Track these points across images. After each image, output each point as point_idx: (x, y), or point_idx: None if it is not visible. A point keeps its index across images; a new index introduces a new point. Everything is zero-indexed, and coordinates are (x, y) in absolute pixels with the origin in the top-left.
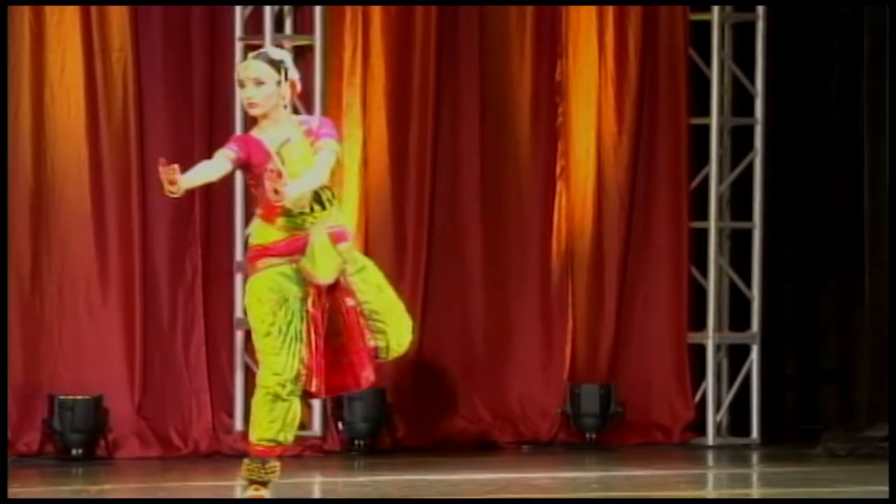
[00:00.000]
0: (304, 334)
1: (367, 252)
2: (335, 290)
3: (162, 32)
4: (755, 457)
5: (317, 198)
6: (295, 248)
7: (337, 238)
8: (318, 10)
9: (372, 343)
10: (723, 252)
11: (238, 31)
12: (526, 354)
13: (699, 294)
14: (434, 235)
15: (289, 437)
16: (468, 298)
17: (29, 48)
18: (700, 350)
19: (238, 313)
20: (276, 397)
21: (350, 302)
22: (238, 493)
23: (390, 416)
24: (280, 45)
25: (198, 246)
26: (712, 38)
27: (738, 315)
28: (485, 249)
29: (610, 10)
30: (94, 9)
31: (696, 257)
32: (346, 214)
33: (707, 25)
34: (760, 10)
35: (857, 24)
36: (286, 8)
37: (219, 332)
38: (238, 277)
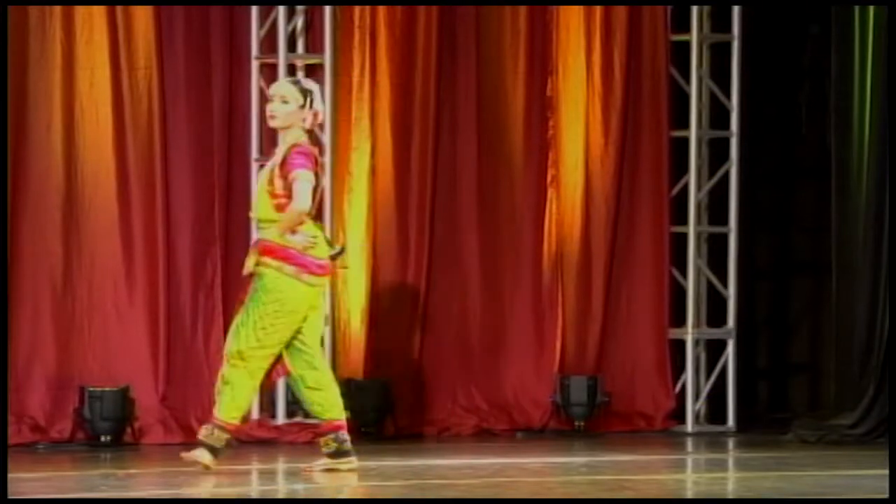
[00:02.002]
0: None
1: (373, 252)
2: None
3: (184, 51)
4: (731, 443)
5: (261, 209)
6: (328, 271)
7: (264, 250)
8: (328, 31)
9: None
10: (701, 254)
11: (254, 51)
12: (519, 348)
13: (679, 293)
14: (435, 237)
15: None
16: (466, 297)
17: (60, 65)
18: (680, 344)
19: None
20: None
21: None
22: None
23: (394, 405)
24: (293, 64)
25: (217, 247)
26: (691, 58)
27: (715, 312)
28: (481, 251)
29: (597, 31)
30: (121, 29)
31: (676, 259)
32: (354, 218)
33: (686, 46)
34: (736, 31)
35: (825, 44)
36: (299, 29)
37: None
38: None
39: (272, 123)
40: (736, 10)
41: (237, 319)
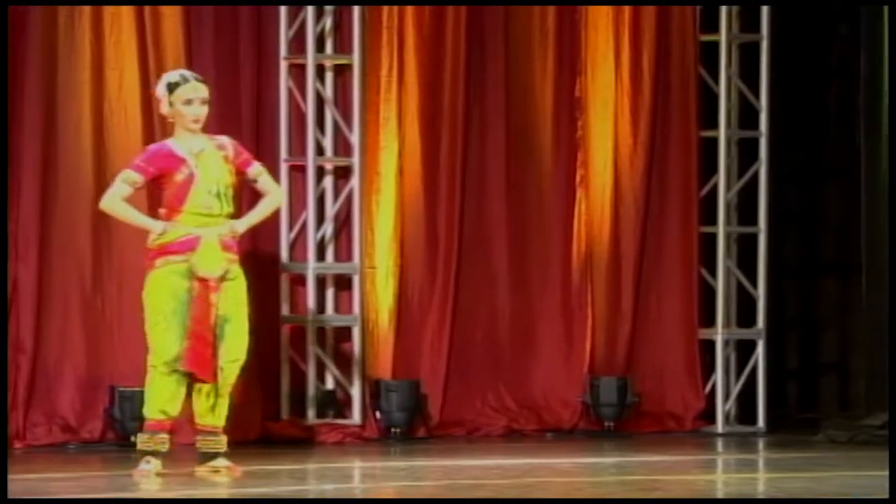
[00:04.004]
0: (187, 323)
1: (402, 252)
2: (209, 287)
3: (212, 52)
4: (761, 444)
5: (219, 197)
6: (188, 247)
7: (227, 247)
8: (356, 31)
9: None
10: (730, 254)
11: (283, 51)
12: (549, 349)
13: (709, 293)
14: (464, 238)
15: (174, 410)
16: (495, 297)
17: (89, 66)
18: (710, 345)
19: (284, 311)
20: (160, 375)
21: (213, 299)
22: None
23: (424, 405)
24: (322, 64)
25: (245, 248)
26: (720, 58)
27: (744, 312)
28: (510, 252)
29: (626, 32)
30: (149, 29)
31: (706, 259)
32: (383, 218)
33: (715, 46)
34: (765, 31)
35: (853, 44)
36: (328, 29)
37: (265, 328)
38: (283, 277)
39: (198, 126)
40: (765, 10)
41: (239, 327)
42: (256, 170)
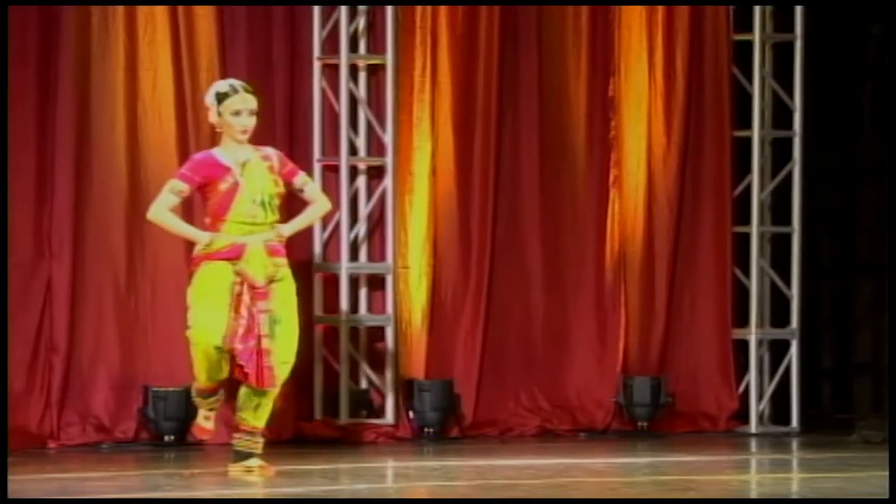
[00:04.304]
0: (233, 312)
1: (435, 252)
2: (257, 294)
3: (246, 52)
4: (795, 444)
5: (263, 206)
6: (234, 255)
7: (273, 251)
8: (389, 32)
9: (265, 345)
10: (764, 254)
11: (316, 51)
12: (582, 349)
13: (742, 293)
14: (497, 238)
15: (222, 375)
16: (529, 297)
17: (123, 65)
18: (743, 345)
19: (317, 311)
20: (200, 350)
21: (263, 306)
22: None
23: (457, 405)
24: (355, 65)
25: None
26: (754, 57)
27: (778, 312)
28: (544, 252)
29: (659, 31)
30: (183, 29)
31: (739, 259)
32: (416, 218)
33: (749, 45)
34: (798, 30)
35: (887, 43)
36: (361, 29)
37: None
38: (317, 277)
39: (246, 136)
40: (798, 9)
41: (288, 328)
42: (302, 179)
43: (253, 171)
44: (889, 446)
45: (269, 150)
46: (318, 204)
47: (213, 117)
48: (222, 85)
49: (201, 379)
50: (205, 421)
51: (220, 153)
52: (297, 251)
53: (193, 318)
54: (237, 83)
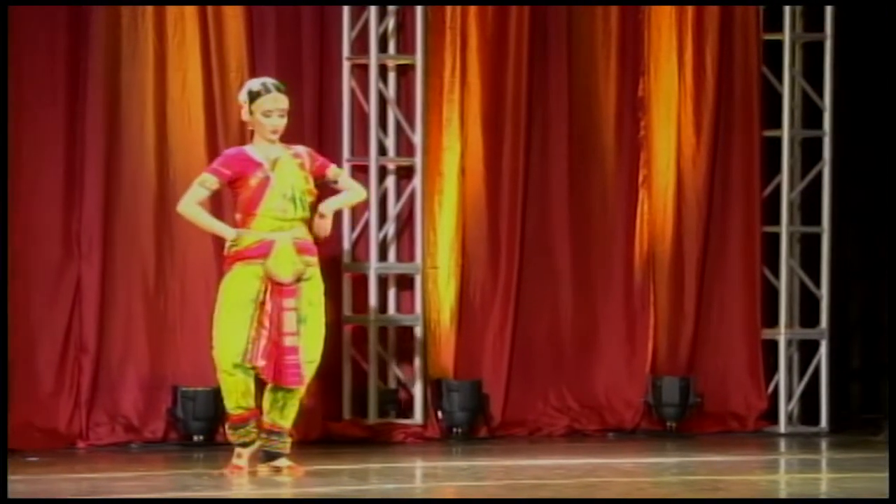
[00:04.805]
0: (256, 324)
1: (464, 253)
2: (284, 291)
3: (275, 53)
4: (824, 444)
5: (294, 202)
6: (262, 252)
7: (303, 249)
8: (419, 32)
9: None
10: (793, 254)
11: (346, 52)
12: (611, 349)
13: (771, 293)
14: (526, 238)
15: (250, 402)
16: (558, 297)
17: (152, 66)
18: (773, 345)
19: (346, 311)
20: (227, 375)
21: (289, 303)
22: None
23: (486, 405)
24: (384, 65)
25: None
26: (784, 57)
27: (807, 312)
28: (573, 252)
29: (689, 31)
30: (212, 30)
31: (769, 259)
32: (445, 218)
33: (779, 45)
34: (828, 30)
35: None
36: (390, 29)
37: (327, 328)
38: (345, 277)
39: (276, 137)
40: (829, 9)
41: (315, 328)
42: (335, 171)
43: (284, 167)
44: (889, 446)
45: (300, 148)
46: (354, 191)
47: (244, 115)
48: (255, 83)
49: (229, 406)
50: (237, 459)
51: (252, 149)
52: (326, 251)
53: (215, 337)
54: (270, 82)
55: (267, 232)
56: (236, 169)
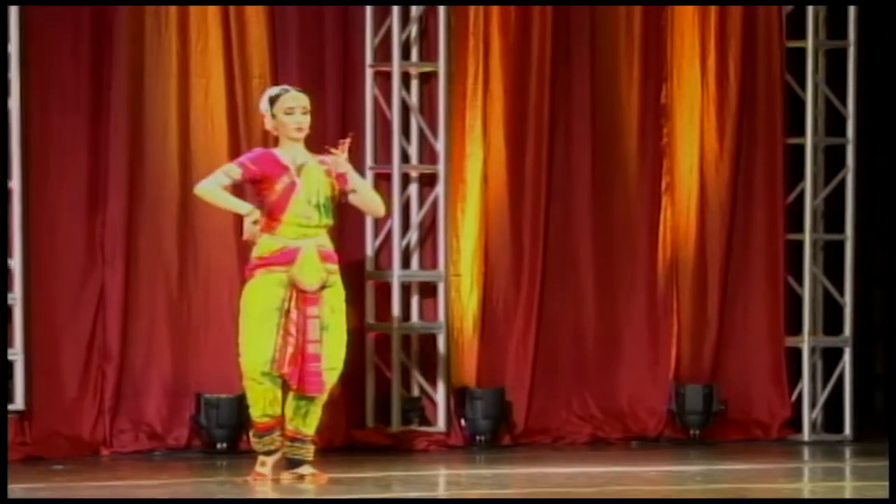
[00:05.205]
0: (282, 332)
1: (487, 259)
2: (308, 299)
3: (298, 60)
4: (848, 452)
5: (319, 209)
6: (287, 259)
7: (326, 257)
8: (442, 39)
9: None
10: (817, 261)
11: (368, 59)
12: (634, 356)
13: (795, 300)
14: (549, 245)
15: (276, 411)
16: (581, 304)
17: (175, 73)
18: (796, 352)
19: (369, 318)
20: (254, 384)
21: (313, 311)
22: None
23: (509, 413)
24: (407, 72)
25: None
26: (807, 64)
27: (831, 320)
28: (596, 258)
29: (712, 38)
30: (235, 37)
31: (792, 266)
32: (468, 225)
33: (802, 52)
34: (852, 37)
35: None
36: (413, 36)
37: (351, 336)
38: (368, 285)
39: (302, 134)
40: (852, 16)
41: (337, 335)
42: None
43: (310, 173)
44: (889, 447)
45: (327, 158)
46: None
47: (268, 123)
48: (273, 89)
49: (254, 414)
50: (261, 467)
51: (279, 152)
52: (350, 258)
53: (242, 345)
54: (288, 86)
55: (291, 239)
56: (262, 168)
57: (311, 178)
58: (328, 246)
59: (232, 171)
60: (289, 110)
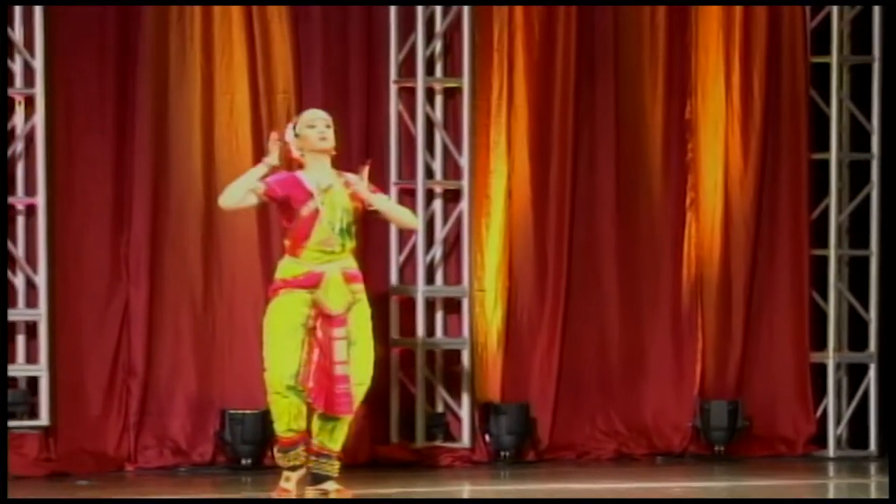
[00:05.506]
0: (306, 350)
1: (511, 275)
2: (334, 321)
3: (322, 75)
4: (873, 468)
5: (342, 234)
6: (312, 283)
7: (351, 278)
8: (466, 55)
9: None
10: (842, 277)
11: (393, 74)
12: (659, 372)
13: (820, 316)
14: (573, 260)
15: (301, 425)
16: (605, 320)
17: (200, 89)
18: (821, 368)
19: (393, 334)
20: (279, 398)
21: (339, 333)
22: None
23: (533, 429)
24: (431, 88)
25: None
26: (831, 80)
27: (856, 335)
28: (620, 274)
29: (736, 54)
30: (259, 53)
31: (817, 282)
32: (492, 241)
33: (826, 67)
34: (876, 52)
35: None
36: (437, 52)
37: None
38: (393, 300)
39: (325, 145)
40: (876, 31)
41: (364, 350)
42: (383, 198)
43: (335, 197)
44: (888, 448)
45: (352, 176)
46: (406, 213)
47: (293, 148)
48: (295, 117)
49: (279, 428)
50: (285, 482)
51: (305, 176)
52: (374, 274)
53: (267, 360)
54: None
55: (316, 264)
56: (288, 190)
57: (335, 202)
58: (352, 267)
59: (257, 187)
60: (311, 124)
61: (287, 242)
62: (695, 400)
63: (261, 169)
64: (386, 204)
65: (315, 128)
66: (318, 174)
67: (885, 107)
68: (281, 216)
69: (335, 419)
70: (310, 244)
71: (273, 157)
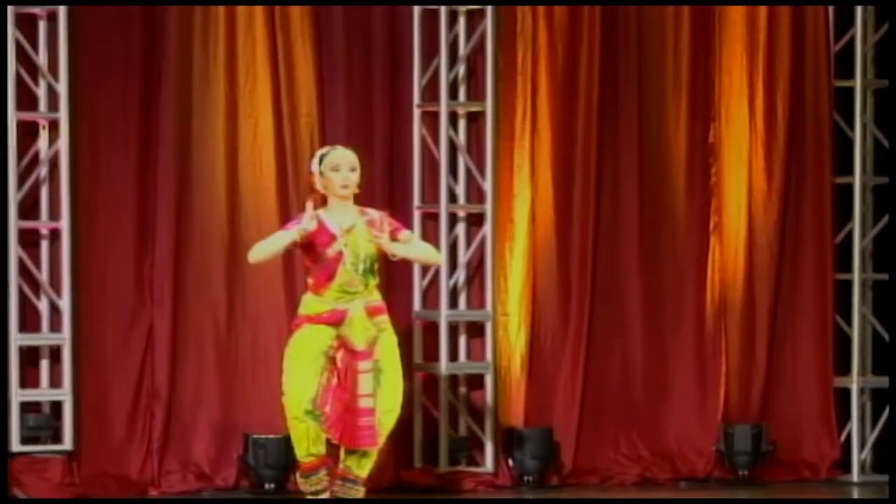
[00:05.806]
0: (325, 377)
1: (534, 299)
2: (359, 354)
3: (345, 99)
4: None
5: (365, 274)
6: (336, 319)
7: (374, 312)
8: (489, 79)
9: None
10: (866, 301)
11: (416, 99)
12: (682, 396)
13: (844, 340)
14: (597, 285)
15: (321, 450)
16: (629, 344)
17: (223, 113)
18: (845, 393)
19: (416, 358)
20: (297, 422)
21: (365, 366)
22: None
23: (557, 453)
24: (455, 112)
25: None
26: (855, 103)
27: (880, 360)
28: (644, 298)
29: (760, 77)
30: (283, 78)
31: (841, 306)
32: (515, 265)
33: (850, 91)
34: None
35: None
36: (461, 76)
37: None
38: (416, 325)
39: (346, 192)
40: None
41: (393, 377)
42: (406, 236)
43: (357, 237)
44: (888, 448)
45: (374, 214)
46: (429, 251)
47: (317, 183)
48: (323, 149)
49: (299, 453)
50: None
51: (327, 216)
52: (397, 299)
53: (285, 384)
54: (337, 146)
55: (340, 303)
56: (310, 235)
57: (358, 243)
58: (376, 300)
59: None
60: (335, 167)
61: (310, 281)
62: (718, 424)
63: (293, 234)
64: (407, 249)
65: (339, 172)
66: (341, 215)
67: None
68: (305, 256)
69: (361, 452)
70: (333, 286)
71: (309, 223)
